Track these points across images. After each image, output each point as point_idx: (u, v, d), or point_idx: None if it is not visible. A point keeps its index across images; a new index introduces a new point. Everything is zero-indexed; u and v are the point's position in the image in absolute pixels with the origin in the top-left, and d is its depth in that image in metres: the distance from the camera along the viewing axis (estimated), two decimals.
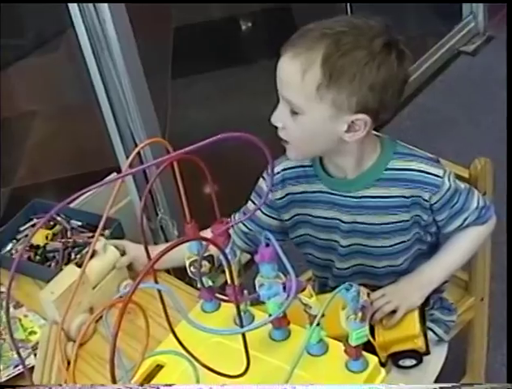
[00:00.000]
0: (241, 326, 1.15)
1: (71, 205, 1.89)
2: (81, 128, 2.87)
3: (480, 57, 3.40)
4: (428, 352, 1.54)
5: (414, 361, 1.56)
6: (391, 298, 1.54)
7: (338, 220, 1.55)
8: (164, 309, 1.15)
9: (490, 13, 3.49)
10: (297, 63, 1.37)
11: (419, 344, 1.52)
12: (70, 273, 1.56)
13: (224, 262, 1.05)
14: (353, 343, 1.17)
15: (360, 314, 1.14)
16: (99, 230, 1.11)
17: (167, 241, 2.08)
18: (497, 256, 1.90)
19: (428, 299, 1.61)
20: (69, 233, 1.81)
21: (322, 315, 1.16)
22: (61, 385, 1.41)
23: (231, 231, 1.57)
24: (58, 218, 1.84)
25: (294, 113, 1.41)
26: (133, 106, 1.92)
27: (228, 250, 1.16)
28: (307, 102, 1.39)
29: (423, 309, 1.56)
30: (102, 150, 2.15)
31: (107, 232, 1.74)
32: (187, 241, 0.98)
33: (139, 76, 1.92)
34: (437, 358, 1.66)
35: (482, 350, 1.99)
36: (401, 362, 1.56)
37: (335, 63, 1.36)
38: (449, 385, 1.08)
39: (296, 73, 1.37)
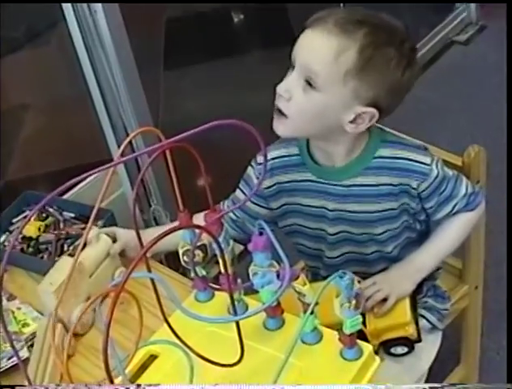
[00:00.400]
0: (235, 314, 1.14)
1: (64, 196, 1.89)
2: (74, 121, 2.85)
3: (473, 46, 3.40)
4: (419, 340, 1.54)
5: (406, 349, 1.56)
6: (382, 286, 1.54)
7: (324, 208, 1.55)
8: (158, 299, 1.15)
9: (482, 2, 3.49)
10: (334, 42, 1.37)
11: (410, 331, 1.52)
12: (66, 263, 1.55)
13: (217, 251, 1.05)
14: (347, 331, 1.17)
15: (354, 302, 1.14)
16: (91, 220, 1.10)
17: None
18: (494, 246, 1.91)
19: (421, 286, 1.61)
20: (61, 225, 1.80)
21: (316, 303, 1.16)
22: (58, 385, 1.40)
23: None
24: (51, 209, 1.83)
25: (309, 85, 1.40)
26: (125, 98, 1.92)
27: (221, 239, 1.15)
28: (330, 82, 1.38)
29: (414, 296, 1.57)
30: (95, 143, 2.14)
31: (100, 223, 1.73)
32: (180, 228, 0.97)
33: (131, 68, 1.91)
34: (431, 346, 1.66)
35: (476, 338, 2.00)
36: (393, 350, 1.56)
37: (371, 54, 1.37)
38: (438, 385, 1.08)
39: (331, 51, 1.37)
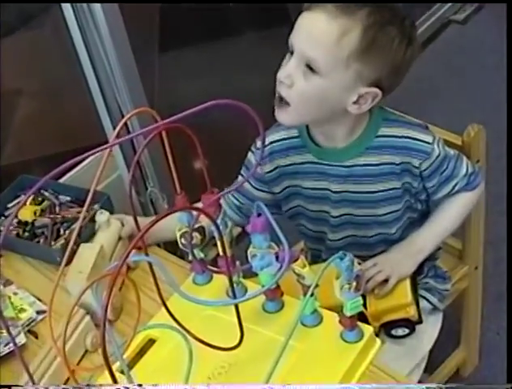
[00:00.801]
0: (234, 297, 1.13)
1: (60, 180, 1.87)
2: (69, 105, 2.84)
3: (471, 25, 3.38)
4: (420, 321, 1.54)
5: (406, 330, 1.55)
6: (383, 267, 1.53)
7: (327, 190, 1.54)
8: (156, 282, 1.13)
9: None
10: (335, 24, 1.33)
11: (411, 312, 1.52)
12: (87, 250, 1.53)
13: (216, 233, 1.03)
14: (348, 313, 1.16)
15: (354, 284, 1.13)
16: (87, 203, 1.08)
17: (156, 214, 2.06)
18: (494, 227, 1.90)
19: (422, 267, 1.60)
20: (57, 209, 1.78)
21: (316, 285, 1.15)
22: (58, 385, 1.39)
23: (224, 204, 1.56)
24: (46, 193, 1.81)
25: (311, 70, 1.36)
26: (120, 81, 1.90)
27: (219, 221, 1.14)
28: (333, 66, 1.35)
29: (415, 277, 1.56)
30: (90, 126, 2.12)
31: (96, 206, 1.71)
32: (177, 210, 0.96)
33: (126, 50, 1.90)
34: (433, 327, 1.66)
35: (476, 319, 1.99)
36: (393, 332, 1.56)
37: (375, 35, 1.34)
38: (433, 385, 1.07)
39: (332, 34, 1.33)
